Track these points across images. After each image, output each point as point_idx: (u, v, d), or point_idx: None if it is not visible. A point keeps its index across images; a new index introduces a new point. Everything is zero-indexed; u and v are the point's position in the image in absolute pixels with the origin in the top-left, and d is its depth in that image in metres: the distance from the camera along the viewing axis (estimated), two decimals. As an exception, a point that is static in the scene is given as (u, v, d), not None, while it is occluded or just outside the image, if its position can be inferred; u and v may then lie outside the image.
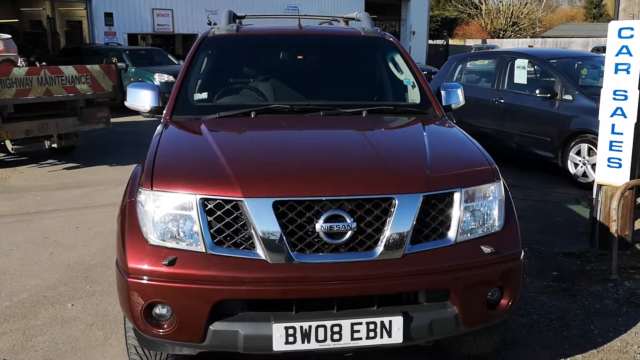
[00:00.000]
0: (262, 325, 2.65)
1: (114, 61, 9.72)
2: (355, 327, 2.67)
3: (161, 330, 2.72)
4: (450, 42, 37.86)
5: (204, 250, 2.67)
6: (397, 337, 2.70)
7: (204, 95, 4.13)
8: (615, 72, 4.90)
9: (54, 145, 9.19)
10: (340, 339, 2.67)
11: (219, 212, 2.69)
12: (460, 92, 4.31)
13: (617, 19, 4.94)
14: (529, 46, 35.09)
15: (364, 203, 2.71)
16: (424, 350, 3.55)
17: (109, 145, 10.87)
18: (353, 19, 4.96)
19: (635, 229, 5.37)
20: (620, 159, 4.94)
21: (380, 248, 2.70)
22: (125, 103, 4.10)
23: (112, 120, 9.94)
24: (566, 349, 3.67)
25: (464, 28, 48.13)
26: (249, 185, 2.70)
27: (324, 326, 2.65)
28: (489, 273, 2.87)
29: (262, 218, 2.65)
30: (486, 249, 2.83)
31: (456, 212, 2.83)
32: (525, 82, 8.59)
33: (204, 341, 2.68)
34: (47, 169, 9.18)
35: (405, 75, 4.32)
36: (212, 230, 2.69)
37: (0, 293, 4.48)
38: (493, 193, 2.97)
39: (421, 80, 4.19)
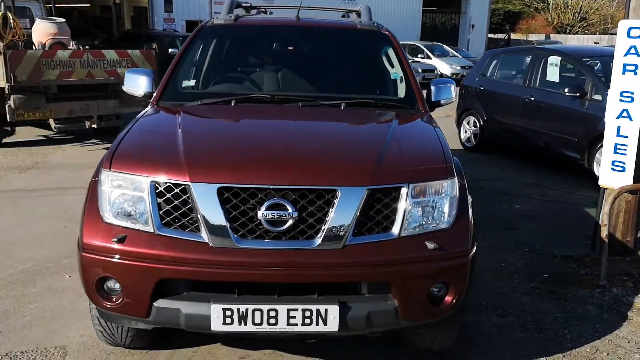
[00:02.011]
0: (201, 305, 2.77)
1: (153, 47, 10.09)
2: (292, 313, 2.75)
3: (109, 304, 2.89)
4: (513, 36, 36.86)
5: (152, 231, 2.81)
6: (333, 326, 2.77)
7: (192, 82, 4.26)
8: (623, 73, 4.73)
9: (94, 126, 9.63)
10: (276, 324, 2.76)
11: (168, 195, 2.82)
12: (452, 88, 4.28)
13: (627, 18, 4.77)
14: (595, 43, 33.83)
15: (307, 193, 2.78)
16: (384, 344, 3.61)
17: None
18: (357, 11, 5.00)
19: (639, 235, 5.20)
20: (624, 162, 4.77)
21: (320, 238, 2.77)
22: (123, 87, 4.28)
23: (152, 103, 10.29)
24: (532, 351, 3.63)
25: (529, 22, 46.72)
26: (196, 170, 2.82)
27: (261, 310, 2.74)
28: (431, 269, 2.88)
29: (206, 202, 2.76)
30: (430, 245, 2.84)
31: (402, 207, 2.86)
32: (557, 80, 8.34)
33: (149, 316, 2.83)
34: (88, 148, 9.62)
35: (395, 70, 4.33)
36: (161, 212, 2.82)
37: (7, 261, 4.79)
38: (445, 190, 2.98)
39: (410, 75, 4.19)
